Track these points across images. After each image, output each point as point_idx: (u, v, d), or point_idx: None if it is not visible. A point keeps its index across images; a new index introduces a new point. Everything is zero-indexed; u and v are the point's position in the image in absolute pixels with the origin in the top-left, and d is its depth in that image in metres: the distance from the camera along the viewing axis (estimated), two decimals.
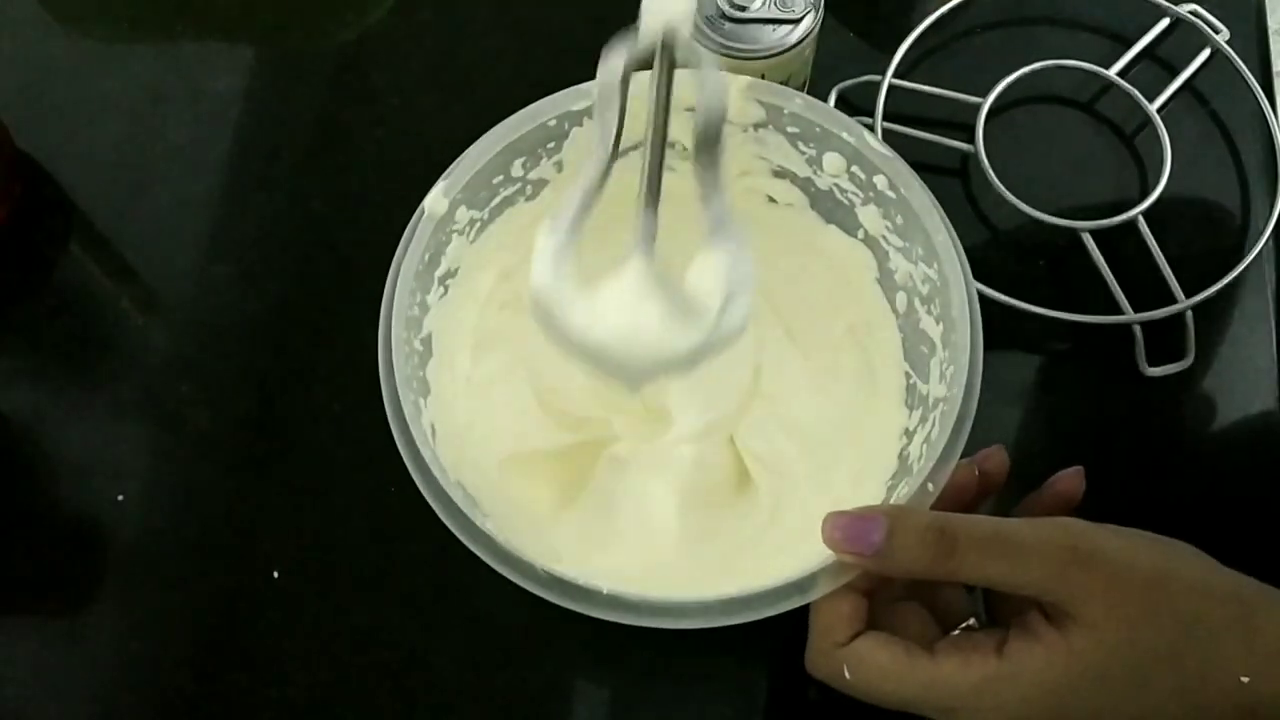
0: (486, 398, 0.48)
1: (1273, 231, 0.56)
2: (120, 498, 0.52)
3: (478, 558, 0.39)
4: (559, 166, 0.47)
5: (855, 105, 0.59)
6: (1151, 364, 0.53)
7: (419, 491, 0.40)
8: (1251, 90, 0.59)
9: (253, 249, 0.57)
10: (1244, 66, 0.59)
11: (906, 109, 0.58)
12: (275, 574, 0.50)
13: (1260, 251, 0.55)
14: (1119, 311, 0.54)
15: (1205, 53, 0.60)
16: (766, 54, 0.49)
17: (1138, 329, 0.53)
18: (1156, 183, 0.56)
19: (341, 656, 0.49)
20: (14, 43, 0.62)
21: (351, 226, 0.57)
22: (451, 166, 0.45)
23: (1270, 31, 0.62)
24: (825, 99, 0.58)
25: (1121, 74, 0.59)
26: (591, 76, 0.38)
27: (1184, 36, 0.61)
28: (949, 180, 0.58)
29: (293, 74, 0.61)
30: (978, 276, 0.44)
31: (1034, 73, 0.59)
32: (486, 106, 0.60)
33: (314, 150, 0.59)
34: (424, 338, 0.45)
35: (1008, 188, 0.55)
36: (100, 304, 0.56)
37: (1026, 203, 0.55)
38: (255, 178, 0.58)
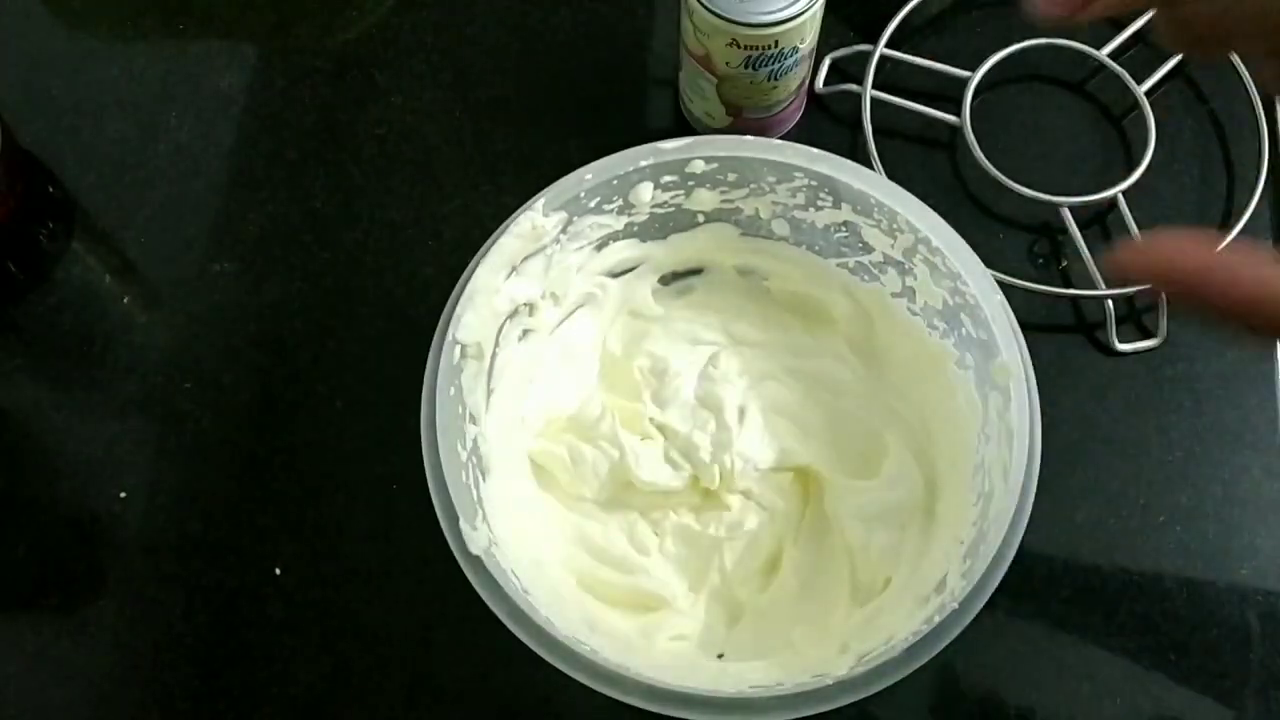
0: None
1: (1250, 217, 0.56)
2: (122, 495, 0.52)
3: None
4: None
5: (846, 73, 0.59)
6: (1122, 340, 0.54)
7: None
8: (1243, 79, 0.59)
9: (255, 247, 0.57)
10: (1237, 56, 0.58)
11: (898, 81, 0.59)
12: (277, 570, 0.50)
13: (1236, 236, 0.55)
14: (1094, 287, 0.54)
15: None
16: (782, 20, 0.50)
17: (1109, 304, 0.54)
18: (1140, 163, 0.56)
19: (343, 653, 0.49)
20: (16, 40, 0.62)
21: (353, 224, 0.57)
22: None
23: None
24: (819, 67, 0.58)
25: (1113, 56, 0.59)
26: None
27: None
28: (937, 153, 0.59)
29: (295, 72, 0.61)
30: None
31: (1025, 50, 0.59)
32: (486, 106, 0.60)
33: (316, 148, 0.59)
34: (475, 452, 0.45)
35: (993, 162, 0.56)
36: (102, 301, 0.56)
37: (1010, 177, 0.56)
38: (257, 175, 0.58)
